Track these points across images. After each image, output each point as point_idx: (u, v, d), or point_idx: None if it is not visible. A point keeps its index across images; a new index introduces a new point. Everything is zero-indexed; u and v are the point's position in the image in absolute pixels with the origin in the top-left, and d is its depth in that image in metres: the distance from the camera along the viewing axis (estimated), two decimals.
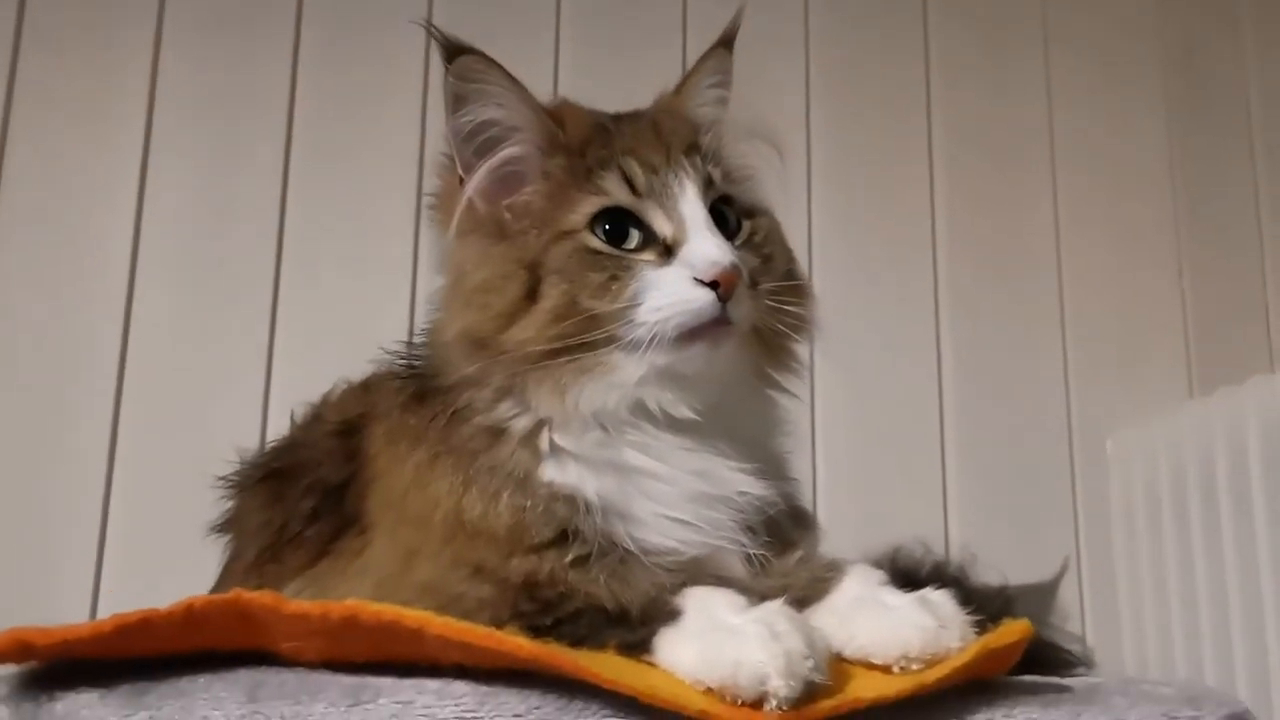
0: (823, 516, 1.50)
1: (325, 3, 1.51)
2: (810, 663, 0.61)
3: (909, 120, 1.66)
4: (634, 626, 0.67)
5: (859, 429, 1.53)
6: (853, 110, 1.64)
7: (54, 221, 1.39)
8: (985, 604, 1.05)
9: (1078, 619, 1.52)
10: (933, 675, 0.64)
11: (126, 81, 1.44)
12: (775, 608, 0.65)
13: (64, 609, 1.27)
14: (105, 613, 1.24)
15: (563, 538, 0.72)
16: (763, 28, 1.64)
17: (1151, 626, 1.41)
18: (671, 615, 0.66)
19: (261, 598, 0.59)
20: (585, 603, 0.69)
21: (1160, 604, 1.40)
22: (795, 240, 1.53)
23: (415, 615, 0.59)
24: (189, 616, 0.58)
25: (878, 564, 1.03)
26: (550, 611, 0.68)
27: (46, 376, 1.36)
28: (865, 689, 0.63)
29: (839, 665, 0.66)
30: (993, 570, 1.43)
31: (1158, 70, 1.73)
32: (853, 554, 1.08)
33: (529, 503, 0.73)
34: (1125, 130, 1.71)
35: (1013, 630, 0.67)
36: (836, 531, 1.45)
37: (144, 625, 0.57)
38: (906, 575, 0.93)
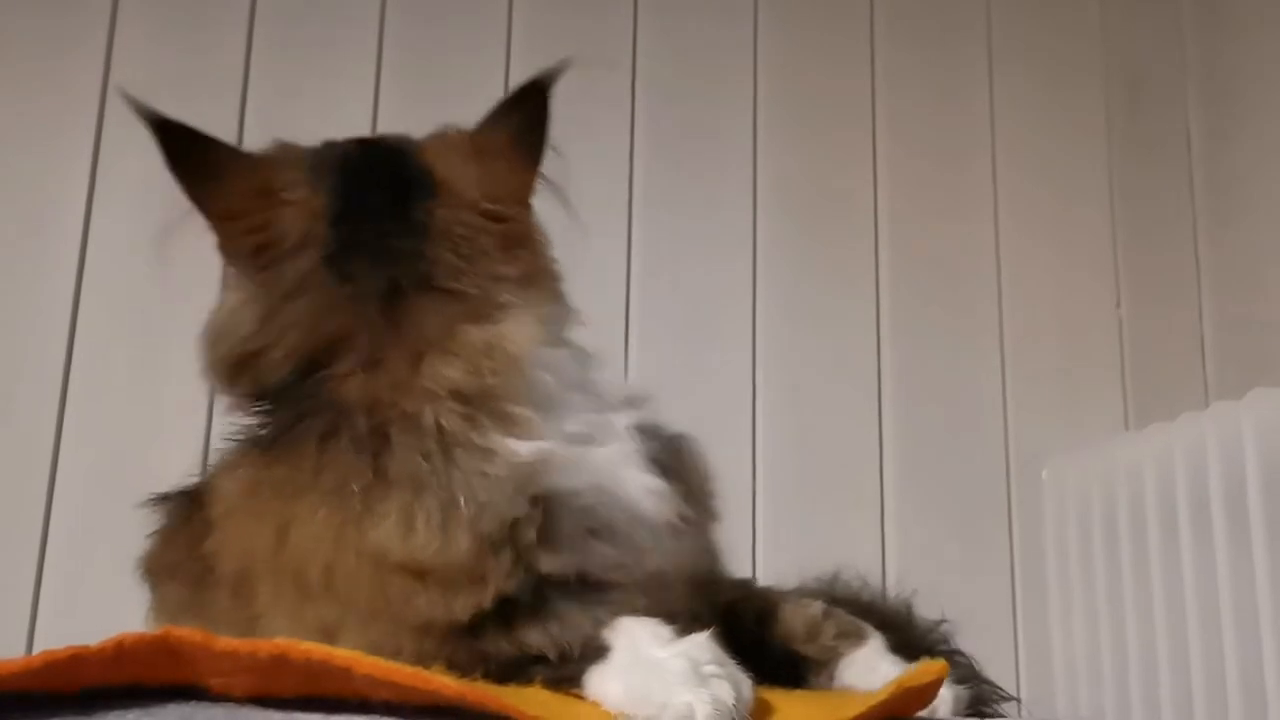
0: (761, 539, 1.54)
1: (276, 32, 1.52)
2: (734, 704, 0.62)
3: (854, 132, 1.69)
4: (563, 663, 0.68)
5: (798, 450, 1.55)
6: (798, 121, 1.66)
7: None
8: (923, 637, 1.08)
9: (1010, 644, 1.55)
10: (851, 711, 0.65)
11: (76, 102, 1.44)
12: (702, 641, 0.67)
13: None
14: (41, 648, 1.25)
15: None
16: (711, 33, 1.66)
17: (1082, 658, 1.44)
18: (600, 652, 0.68)
19: (191, 635, 0.59)
20: (522, 651, 0.69)
21: (1090, 636, 1.43)
22: (740, 254, 1.57)
23: (344, 654, 0.60)
24: (119, 653, 0.59)
25: (816, 590, 1.06)
26: (486, 661, 0.69)
27: None
28: None
29: (762, 700, 0.67)
30: (928, 596, 1.47)
31: (1102, 94, 1.77)
32: (791, 575, 1.12)
33: (489, 513, 0.70)
34: (1068, 154, 1.75)
35: (929, 670, 0.69)
36: (775, 553, 1.49)
37: (74, 661, 0.58)
38: (845, 604, 0.95)
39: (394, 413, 0.72)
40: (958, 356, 1.64)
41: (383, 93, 1.51)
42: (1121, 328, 1.70)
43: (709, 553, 0.86)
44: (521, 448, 0.72)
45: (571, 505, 0.72)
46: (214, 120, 1.44)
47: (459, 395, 0.74)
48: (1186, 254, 1.70)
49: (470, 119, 0.87)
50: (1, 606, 1.29)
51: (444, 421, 0.72)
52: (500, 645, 0.69)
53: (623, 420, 0.80)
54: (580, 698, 0.66)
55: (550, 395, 0.76)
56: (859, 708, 0.66)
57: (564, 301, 0.86)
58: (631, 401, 0.84)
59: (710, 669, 0.64)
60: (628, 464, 0.77)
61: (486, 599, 0.69)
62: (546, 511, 0.71)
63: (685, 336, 1.55)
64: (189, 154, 0.81)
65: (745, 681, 0.66)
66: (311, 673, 0.60)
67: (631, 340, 1.52)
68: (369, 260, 0.78)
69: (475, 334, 0.77)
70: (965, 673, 0.95)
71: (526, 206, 0.85)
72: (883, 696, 0.66)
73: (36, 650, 1.23)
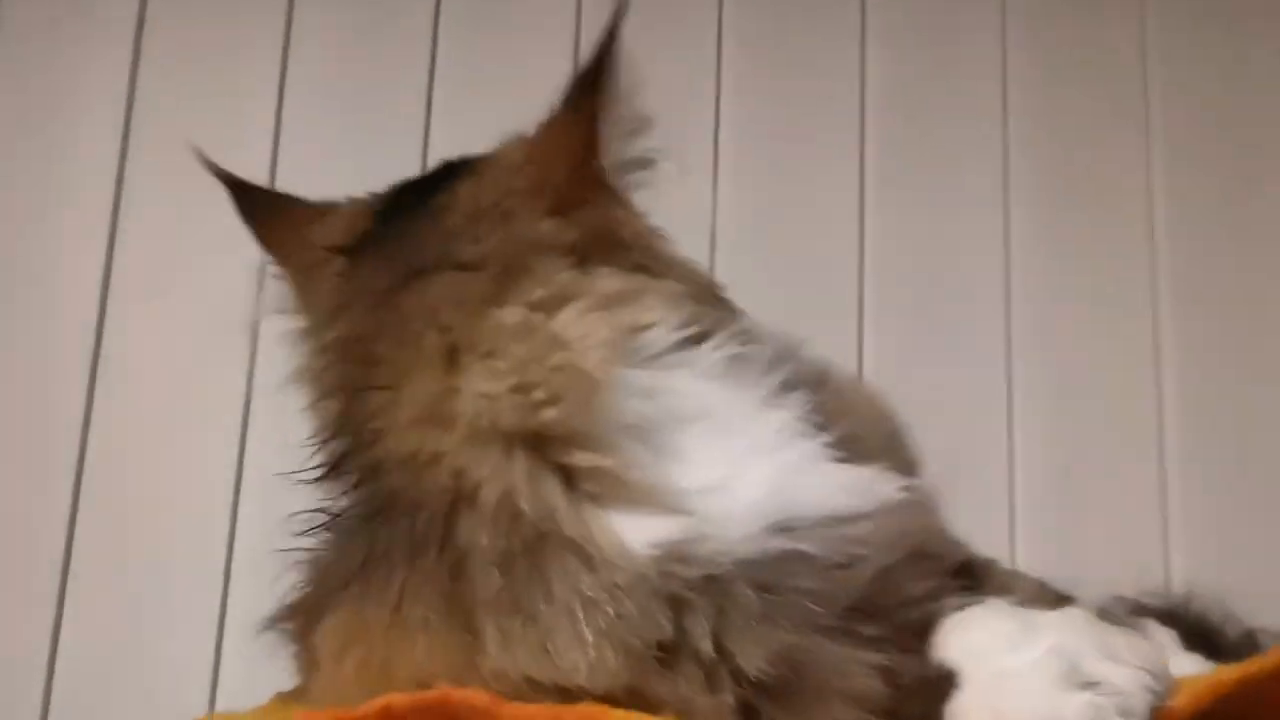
0: (1021, 543, 1.36)
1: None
2: (1151, 687, 0.47)
3: (1123, 134, 1.47)
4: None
5: (1062, 438, 1.36)
6: (1058, 116, 1.46)
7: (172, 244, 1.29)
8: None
9: None
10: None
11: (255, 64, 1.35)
12: (1071, 621, 0.50)
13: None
14: (224, 698, 1.17)
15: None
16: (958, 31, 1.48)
17: None
18: (946, 681, 0.52)
19: (473, 698, 0.48)
20: None
21: None
22: (989, 224, 1.39)
23: None
24: (386, 717, 0.48)
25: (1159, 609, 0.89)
26: None
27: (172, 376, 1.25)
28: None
29: None
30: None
31: None
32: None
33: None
34: None
35: None
36: (1039, 559, 1.31)
37: None
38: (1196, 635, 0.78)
39: (444, 477, 0.55)
40: (1251, 308, 1.41)
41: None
42: None
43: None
44: (636, 534, 0.53)
45: (745, 574, 0.52)
46: (396, 98, 1.38)
47: (515, 437, 0.55)
48: None
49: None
50: (184, 649, 1.19)
51: (517, 501, 0.54)
52: None
53: (783, 413, 0.59)
54: None
55: (662, 428, 0.57)
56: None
57: (671, 275, 0.65)
58: (782, 360, 0.64)
59: (1094, 658, 0.48)
60: (806, 469, 0.57)
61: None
62: (713, 599, 0.52)
63: (927, 312, 1.38)
64: (255, 202, 0.79)
65: (1153, 645, 0.51)
66: None
67: (866, 321, 1.37)
68: (386, 252, 0.65)
69: (511, 318, 0.59)
70: None
71: (584, 164, 0.65)
72: None
73: (219, 708, 1.18)
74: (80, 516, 1.22)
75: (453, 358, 0.58)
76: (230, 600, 1.20)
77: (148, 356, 1.26)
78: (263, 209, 0.76)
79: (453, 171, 0.70)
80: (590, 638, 0.50)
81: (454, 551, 0.53)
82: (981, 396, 1.38)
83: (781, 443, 0.58)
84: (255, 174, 1.25)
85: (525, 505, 0.53)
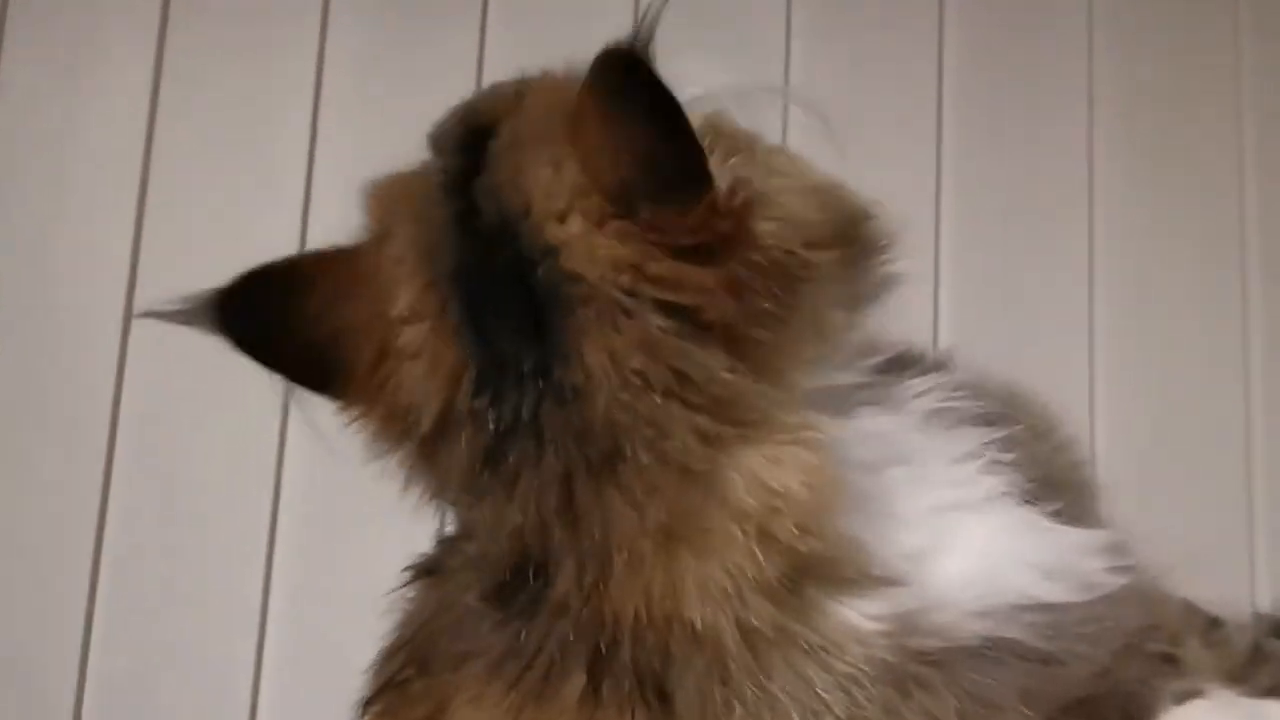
0: None
1: None
2: None
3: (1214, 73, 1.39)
4: None
5: (1144, 427, 1.29)
6: (1148, 77, 1.37)
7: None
8: None
9: None
10: None
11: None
12: None
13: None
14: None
15: None
16: None
17: None
18: None
19: None
20: None
21: None
22: (1075, 182, 1.29)
23: None
24: None
25: None
26: None
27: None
28: None
29: None
30: None
31: None
32: None
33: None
34: None
35: None
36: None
37: None
38: None
39: (671, 629, 0.50)
40: None
41: None
42: None
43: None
44: (866, 615, 0.49)
45: (960, 657, 0.49)
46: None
47: (764, 588, 0.49)
48: None
49: None
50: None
51: (753, 620, 0.49)
52: None
53: (996, 477, 0.53)
54: None
55: (878, 508, 0.52)
56: None
57: (842, 331, 0.57)
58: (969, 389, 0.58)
59: None
60: (1019, 538, 0.51)
61: None
62: (944, 675, 0.48)
63: (1007, 278, 1.30)
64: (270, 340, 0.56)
65: None
66: None
67: (942, 288, 1.28)
68: (526, 450, 0.52)
69: (719, 494, 0.51)
70: None
71: (715, 237, 0.51)
72: None
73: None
74: (110, 506, 1.13)
75: (668, 545, 0.51)
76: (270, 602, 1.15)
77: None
78: (315, 372, 0.57)
79: (518, 243, 0.53)
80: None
81: (663, 669, 0.48)
82: (1062, 372, 1.29)
83: (992, 506, 0.52)
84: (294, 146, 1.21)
85: (758, 621, 0.49)
